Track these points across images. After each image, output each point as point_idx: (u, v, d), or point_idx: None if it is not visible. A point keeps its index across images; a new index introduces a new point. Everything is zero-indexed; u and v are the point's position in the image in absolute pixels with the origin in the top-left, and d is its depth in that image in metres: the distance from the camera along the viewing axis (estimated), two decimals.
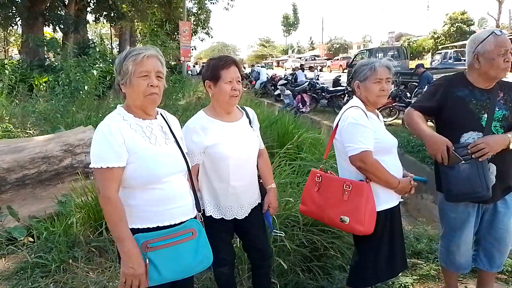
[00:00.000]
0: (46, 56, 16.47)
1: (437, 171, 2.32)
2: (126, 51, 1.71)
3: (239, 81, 2.03)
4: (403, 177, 2.17)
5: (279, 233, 2.26)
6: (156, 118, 1.77)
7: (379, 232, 2.08)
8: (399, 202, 2.22)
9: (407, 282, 2.79)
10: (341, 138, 2.13)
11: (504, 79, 2.26)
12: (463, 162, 2.09)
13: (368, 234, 2.03)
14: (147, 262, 1.57)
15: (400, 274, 2.58)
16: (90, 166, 1.62)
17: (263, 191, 2.21)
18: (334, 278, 2.77)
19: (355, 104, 2.14)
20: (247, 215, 2.11)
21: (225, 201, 2.06)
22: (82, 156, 4.01)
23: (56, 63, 7.53)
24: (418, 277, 2.90)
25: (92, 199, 3.19)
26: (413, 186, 2.16)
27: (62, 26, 16.67)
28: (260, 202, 2.20)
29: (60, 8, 17.89)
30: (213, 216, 2.04)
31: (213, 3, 24.46)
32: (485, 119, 2.15)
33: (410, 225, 4.29)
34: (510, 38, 2.15)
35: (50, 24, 17.17)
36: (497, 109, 2.16)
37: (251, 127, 2.16)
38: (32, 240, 3.14)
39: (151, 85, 1.65)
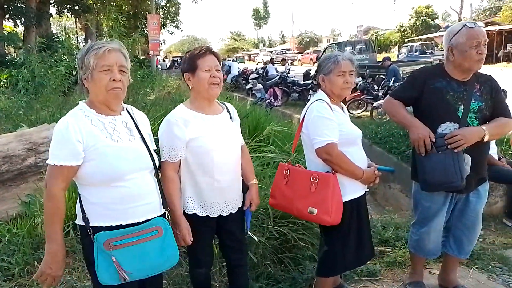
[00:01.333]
0: (6, 51, 15.74)
1: (414, 161, 2.36)
2: (88, 45, 1.67)
3: (218, 70, 1.97)
4: (368, 167, 2.23)
5: (253, 236, 2.23)
6: (120, 114, 1.73)
7: (346, 222, 2.13)
8: (365, 192, 2.28)
9: (375, 270, 2.87)
10: (307, 131, 2.17)
11: (480, 72, 2.31)
12: (439, 152, 2.14)
13: (335, 224, 2.08)
14: (114, 260, 1.55)
15: (368, 262, 2.65)
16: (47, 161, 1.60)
17: (244, 187, 2.16)
18: (304, 269, 2.82)
19: (320, 98, 2.17)
20: (233, 211, 2.06)
21: (210, 197, 1.99)
22: (47, 155, 3.87)
23: (18, 58, 7.19)
24: (386, 264, 3.00)
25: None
26: (378, 176, 2.22)
27: (23, 20, 15.96)
28: (242, 199, 2.15)
29: (20, 1, 17.10)
30: (198, 213, 1.98)
31: None
32: (462, 110, 2.19)
33: (378, 214, 4.42)
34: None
35: (11, 18, 16.42)
36: (473, 101, 2.21)
37: (232, 122, 2.12)
38: None
39: (113, 80, 1.61)
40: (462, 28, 2.18)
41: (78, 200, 1.67)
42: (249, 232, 2.18)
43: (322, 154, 2.07)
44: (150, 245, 1.64)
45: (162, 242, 1.68)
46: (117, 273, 1.56)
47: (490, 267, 3.01)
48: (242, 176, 2.16)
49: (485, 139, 2.18)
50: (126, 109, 1.79)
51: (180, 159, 1.95)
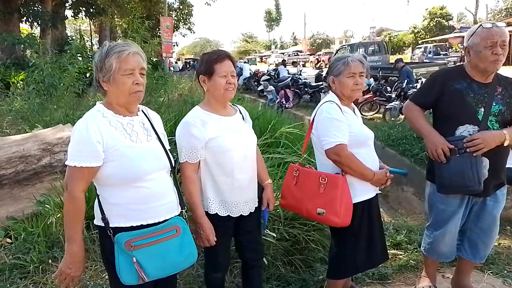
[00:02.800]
0: (23, 53, 16.05)
1: (430, 162, 2.34)
2: (107, 46, 1.65)
3: (233, 75, 2.01)
4: (379, 169, 2.21)
5: (271, 233, 2.24)
6: (137, 115, 1.75)
7: (357, 224, 2.12)
8: (377, 194, 2.26)
9: (386, 273, 2.85)
10: (317, 133, 2.17)
11: (503, 74, 2.27)
12: (457, 155, 2.11)
13: (345, 226, 2.07)
14: (135, 260, 1.57)
15: (380, 265, 2.63)
16: (66, 162, 1.60)
17: (259, 188, 2.17)
18: (315, 271, 2.81)
19: (330, 99, 2.17)
20: (252, 211, 2.08)
21: (230, 196, 2.01)
22: (61, 155, 3.94)
23: (33, 61, 7.32)
24: (398, 268, 2.97)
25: (64, 196, 3.14)
26: (389, 178, 2.20)
27: (39, 22, 16.26)
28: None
29: (36, 4, 17.43)
30: (219, 213, 2.00)
31: None
32: (482, 113, 2.15)
33: (390, 217, 4.38)
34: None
35: (28, 20, 16.75)
36: (494, 104, 2.16)
37: (245, 123, 2.15)
38: (10, 241, 3.08)
39: (136, 83, 1.63)
40: (478, 28, 2.16)
41: (97, 200, 1.68)
42: (267, 230, 2.19)
43: (331, 155, 2.07)
44: (170, 244, 1.65)
45: (180, 241, 1.69)
46: (134, 272, 1.57)
47: (505, 272, 2.95)
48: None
49: (505, 144, 2.13)
50: (142, 110, 1.80)
51: (200, 160, 1.97)
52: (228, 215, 2.02)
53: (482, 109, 2.15)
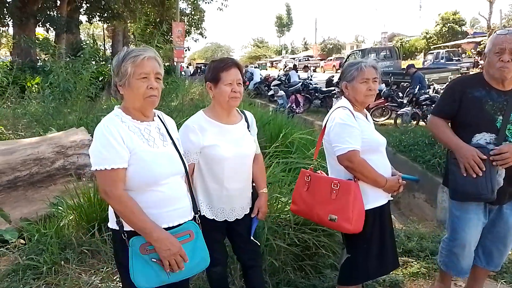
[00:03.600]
0: (38, 57, 16.35)
1: (447, 167, 2.31)
2: (124, 51, 1.68)
3: (240, 83, 2.03)
4: (392, 176, 2.20)
5: (256, 242, 2.24)
6: (153, 120, 1.77)
7: (369, 230, 2.11)
8: (389, 200, 2.24)
9: (397, 280, 2.82)
10: (329, 138, 2.16)
11: None
12: None
13: (357, 232, 2.06)
14: (155, 260, 1.58)
15: (391, 272, 2.60)
16: (92, 168, 1.61)
17: (255, 195, 2.21)
18: (325, 277, 2.79)
19: (343, 105, 2.16)
20: (239, 218, 2.12)
21: (217, 202, 2.07)
22: (75, 158, 4.00)
23: (48, 65, 7.46)
24: (409, 275, 2.94)
25: (84, 200, 3.19)
26: (402, 184, 2.18)
27: (55, 27, 16.57)
28: (250, 206, 2.19)
29: (52, 9, 17.77)
30: (206, 216, 2.05)
31: (207, 3, 24.38)
32: (500, 121, 2.12)
33: (402, 224, 4.33)
34: None
35: (43, 25, 17.06)
36: None
37: (249, 131, 2.17)
38: (24, 242, 3.12)
39: (150, 87, 1.64)
40: (492, 35, 2.16)
41: None
42: (252, 238, 2.20)
43: (343, 161, 2.06)
44: (183, 248, 1.65)
45: (193, 245, 1.70)
46: (155, 277, 1.58)
47: None
48: (253, 183, 2.21)
49: None
50: (157, 115, 1.82)
51: (194, 163, 2.02)
52: (214, 218, 2.08)
53: (501, 117, 2.12)
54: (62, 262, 2.74)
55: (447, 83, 2.42)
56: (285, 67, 18.67)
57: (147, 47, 1.78)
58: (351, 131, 2.06)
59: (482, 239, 2.35)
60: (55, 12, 17.53)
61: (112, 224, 1.70)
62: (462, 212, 2.27)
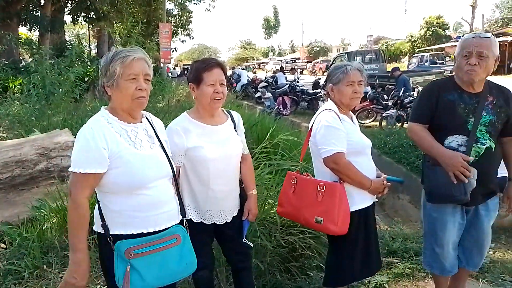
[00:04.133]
0: (21, 58, 16.04)
1: (423, 171, 2.34)
2: (113, 52, 1.65)
3: (222, 84, 2.00)
4: (377, 177, 2.22)
5: (249, 243, 2.24)
6: (141, 122, 1.73)
7: (354, 232, 2.12)
8: (374, 202, 2.26)
9: (382, 281, 2.85)
10: (315, 140, 2.17)
11: (496, 83, 2.26)
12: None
13: (342, 234, 2.07)
14: (128, 269, 1.54)
15: (375, 273, 2.63)
16: (69, 168, 1.59)
17: (244, 196, 2.19)
18: (311, 278, 2.80)
19: (329, 107, 2.18)
20: (228, 220, 2.10)
21: (204, 205, 2.04)
22: (58, 160, 3.94)
23: (31, 65, 7.32)
24: (394, 276, 2.97)
25: (68, 203, 3.14)
26: (386, 186, 2.21)
27: (39, 27, 16.28)
28: (239, 208, 2.17)
29: (36, 9, 17.46)
30: (193, 219, 2.02)
31: (195, 4, 24.29)
32: (472, 122, 2.14)
33: (386, 225, 4.38)
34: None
35: (26, 25, 16.75)
36: (485, 114, 2.15)
37: (236, 131, 2.14)
38: (5, 246, 3.06)
39: (139, 89, 1.61)
40: (461, 38, 2.19)
41: (97, 207, 1.66)
42: (245, 240, 2.19)
43: (329, 163, 2.07)
44: (170, 253, 1.63)
45: (181, 250, 1.68)
46: (139, 281, 1.55)
47: (500, 280, 2.96)
48: (242, 184, 2.19)
49: None
50: (145, 117, 1.79)
51: (179, 166, 1.99)
52: (201, 222, 2.05)
53: (473, 119, 2.15)
54: (45, 267, 2.69)
55: (423, 88, 2.43)
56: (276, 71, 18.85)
57: (136, 47, 1.75)
58: (337, 134, 2.07)
59: (461, 240, 2.38)
60: (39, 12, 17.21)
61: (97, 227, 1.67)
62: (439, 214, 2.29)
